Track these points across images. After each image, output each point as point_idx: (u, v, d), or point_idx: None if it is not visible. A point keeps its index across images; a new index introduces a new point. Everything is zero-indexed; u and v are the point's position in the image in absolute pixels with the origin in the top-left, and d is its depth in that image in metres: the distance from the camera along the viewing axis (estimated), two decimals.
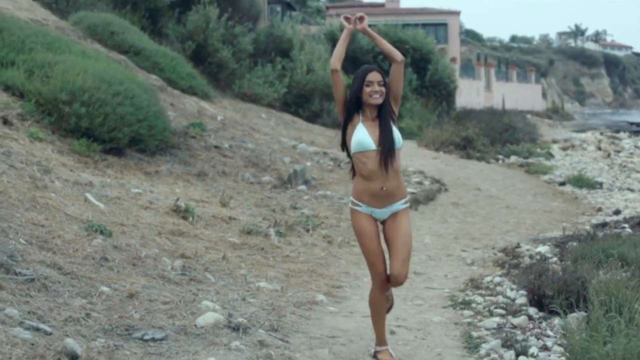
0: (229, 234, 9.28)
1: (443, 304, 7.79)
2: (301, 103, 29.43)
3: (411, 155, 21.68)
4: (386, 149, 5.52)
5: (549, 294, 7.21)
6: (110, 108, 11.87)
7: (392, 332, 6.55)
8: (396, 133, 5.62)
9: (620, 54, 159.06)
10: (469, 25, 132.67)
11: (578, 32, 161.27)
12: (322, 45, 34.02)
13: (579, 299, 6.87)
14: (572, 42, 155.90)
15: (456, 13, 64.64)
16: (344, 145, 5.79)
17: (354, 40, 38.47)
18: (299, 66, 29.75)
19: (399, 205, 5.71)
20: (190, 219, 9.47)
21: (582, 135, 40.97)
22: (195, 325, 5.86)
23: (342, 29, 5.99)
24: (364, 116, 5.64)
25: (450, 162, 21.90)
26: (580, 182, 19.84)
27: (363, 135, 5.56)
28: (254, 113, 23.89)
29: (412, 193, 14.52)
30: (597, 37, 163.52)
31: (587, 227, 12.23)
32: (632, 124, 55.39)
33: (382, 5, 70.46)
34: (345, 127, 5.73)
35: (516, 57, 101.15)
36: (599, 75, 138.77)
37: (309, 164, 15.71)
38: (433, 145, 26.14)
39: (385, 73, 5.71)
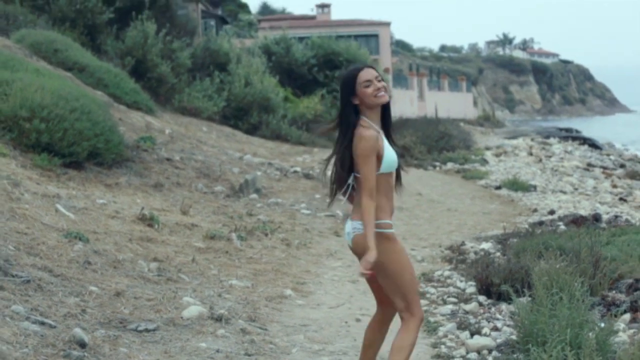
0: (194, 239, 9.84)
1: None
2: (240, 116, 29.90)
3: None
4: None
5: (496, 282, 7.94)
6: (69, 123, 12.31)
7: (358, 320, 7.20)
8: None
9: (547, 61, 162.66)
10: (398, 35, 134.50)
11: (506, 40, 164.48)
12: (259, 58, 34.57)
13: (523, 286, 7.57)
14: (500, 51, 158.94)
15: (386, 24, 65.61)
16: (343, 165, 4.90)
17: (288, 53, 39.20)
18: (237, 80, 30.23)
19: None
20: (156, 226, 9.99)
21: (514, 142, 42.23)
22: (181, 318, 6.45)
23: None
24: (373, 125, 4.84)
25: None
26: (515, 185, 20.78)
27: (392, 153, 4.88)
28: (195, 126, 24.35)
29: None
30: (525, 46, 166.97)
31: (526, 226, 13.05)
32: (561, 129, 56.93)
33: (313, 17, 71.25)
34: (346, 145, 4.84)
35: (447, 67, 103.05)
36: (527, 83, 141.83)
37: (259, 173, 16.30)
38: None
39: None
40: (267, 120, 29.75)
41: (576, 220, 12.98)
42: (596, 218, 13.52)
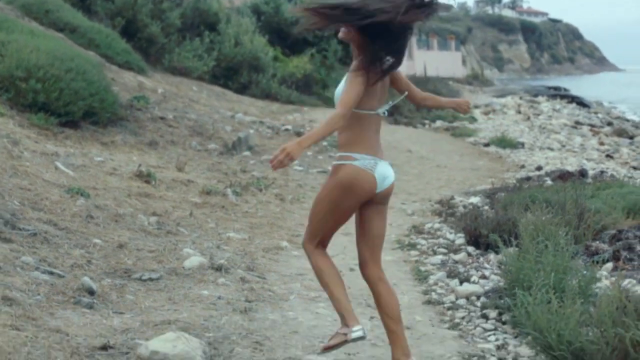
0: (190, 195, 10.09)
1: (392, 247, 8.77)
2: (230, 75, 30.03)
3: None
4: None
5: (484, 234, 8.24)
6: (65, 83, 12.49)
7: (351, 269, 7.48)
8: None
9: (536, 20, 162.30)
10: None
11: None
12: (248, 18, 34.61)
13: (510, 237, 7.85)
14: (489, 10, 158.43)
15: None
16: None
17: (277, 12, 39.21)
18: (227, 39, 30.30)
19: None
20: (153, 182, 10.23)
21: (502, 100, 42.44)
22: (183, 268, 6.73)
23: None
24: None
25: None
26: (504, 142, 21.07)
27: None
28: (186, 86, 24.48)
29: None
30: (514, 4, 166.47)
31: (513, 181, 13.34)
32: (549, 88, 57.19)
33: None
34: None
35: (435, 25, 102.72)
36: (516, 42, 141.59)
37: (251, 131, 16.53)
38: None
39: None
40: (257, 80, 29.89)
41: (562, 176, 13.27)
42: (582, 173, 13.81)
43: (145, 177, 10.32)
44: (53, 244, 6.62)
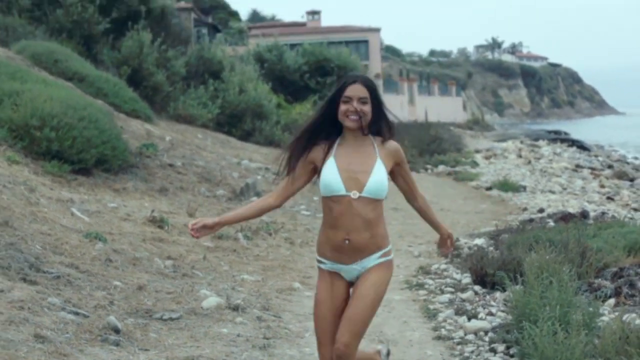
0: (202, 239, 10.34)
1: (400, 287, 9.04)
2: (234, 123, 30.39)
3: None
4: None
5: (490, 273, 8.50)
6: (78, 132, 12.83)
7: None
8: (382, 176, 4.43)
9: (536, 64, 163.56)
10: (388, 41, 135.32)
11: (495, 44, 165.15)
12: (251, 66, 35.15)
13: (515, 275, 8.11)
14: (489, 55, 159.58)
15: (376, 30, 66.13)
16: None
17: (280, 60, 39.80)
18: (231, 87, 30.73)
19: (373, 260, 4.46)
20: (166, 227, 10.51)
21: (503, 145, 42.82)
22: (201, 308, 6.99)
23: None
24: (342, 142, 4.50)
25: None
26: (506, 186, 21.38)
27: (331, 176, 4.43)
28: (190, 134, 24.82)
29: None
30: (514, 49, 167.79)
31: (516, 223, 13.60)
32: (549, 132, 57.64)
33: (303, 24, 71.75)
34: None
35: (436, 71, 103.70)
36: (516, 86, 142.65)
37: (258, 177, 16.84)
38: None
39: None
40: (261, 127, 30.26)
41: (564, 217, 13.53)
42: (584, 215, 14.07)
43: (159, 222, 10.60)
44: (76, 286, 6.89)
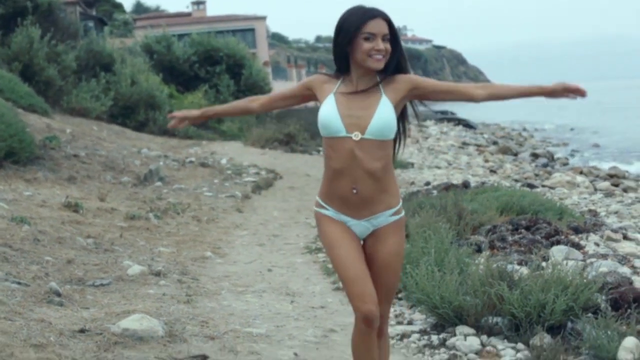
0: (116, 220, 11.16)
1: (301, 252, 10.07)
2: (127, 114, 30.91)
3: (242, 154, 24.00)
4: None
5: None
6: None
7: (269, 270, 8.74)
8: (388, 114, 4.05)
9: (421, 47, 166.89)
10: (274, 28, 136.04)
11: None
12: (141, 57, 35.64)
13: None
14: None
15: (262, 18, 66.84)
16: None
17: (169, 51, 40.25)
18: (123, 79, 31.20)
19: (385, 217, 4.19)
20: (81, 211, 11.26)
21: None
22: (127, 275, 7.86)
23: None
24: (344, 85, 4.12)
25: (277, 157, 24.20)
26: (394, 163, 22.59)
27: (330, 114, 4.08)
28: (86, 126, 25.31)
29: (254, 181, 16.83)
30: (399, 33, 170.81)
31: (404, 194, 14.77)
32: (436, 112, 59.53)
33: (188, 14, 72.00)
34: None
35: (323, 57, 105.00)
36: None
37: (161, 163, 17.63)
38: (259, 143, 28.31)
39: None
40: (154, 117, 30.88)
41: (447, 187, 14.75)
42: (465, 185, 15.34)
43: (74, 207, 11.34)
44: (12, 262, 7.65)
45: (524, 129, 51.05)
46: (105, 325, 5.95)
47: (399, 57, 4.11)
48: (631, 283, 6.87)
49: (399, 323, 6.70)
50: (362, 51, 3.98)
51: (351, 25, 3.98)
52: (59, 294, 6.75)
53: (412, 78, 4.14)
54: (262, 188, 16.50)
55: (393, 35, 4.05)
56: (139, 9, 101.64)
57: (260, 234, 11.40)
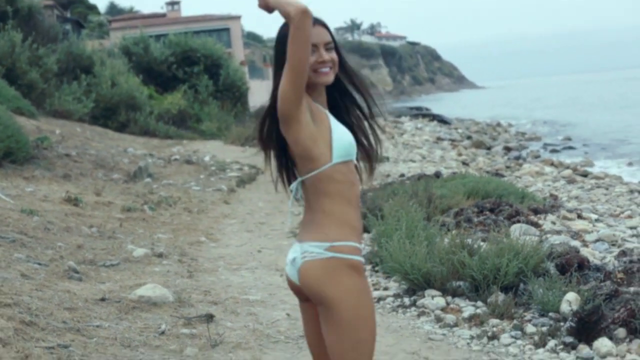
0: (114, 212, 12.06)
1: (287, 236, 11.02)
2: (109, 115, 31.72)
3: (224, 152, 24.96)
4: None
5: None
6: None
7: (259, 251, 9.69)
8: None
9: (395, 44, 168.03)
10: (249, 27, 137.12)
11: (354, 26, 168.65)
12: (120, 59, 36.36)
13: (377, 218, 10.19)
14: (349, 37, 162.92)
15: (237, 18, 67.19)
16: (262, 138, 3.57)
17: (147, 52, 40.91)
18: (103, 81, 31.97)
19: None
20: (81, 205, 12.16)
21: None
22: (133, 256, 8.79)
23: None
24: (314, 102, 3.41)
25: (257, 153, 25.01)
26: None
27: (348, 135, 3.47)
28: (69, 128, 26.11)
29: (237, 176, 17.79)
30: (373, 30, 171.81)
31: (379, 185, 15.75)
32: (411, 108, 60.50)
33: (163, 15, 72.38)
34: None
35: None
36: (377, 66, 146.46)
37: (150, 161, 18.54)
38: (239, 141, 29.19)
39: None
40: (135, 118, 31.72)
41: (420, 177, 15.75)
42: (437, 175, 16.32)
43: (74, 201, 12.23)
44: (29, 247, 8.56)
45: (498, 124, 52.17)
46: (121, 295, 6.88)
47: (345, 69, 3.55)
48: (578, 252, 7.88)
49: (376, 289, 7.67)
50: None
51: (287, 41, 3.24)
52: (77, 271, 7.67)
53: None
54: (246, 182, 17.44)
55: (335, 42, 3.50)
56: (113, 10, 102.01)
57: (248, 222, 12.34)
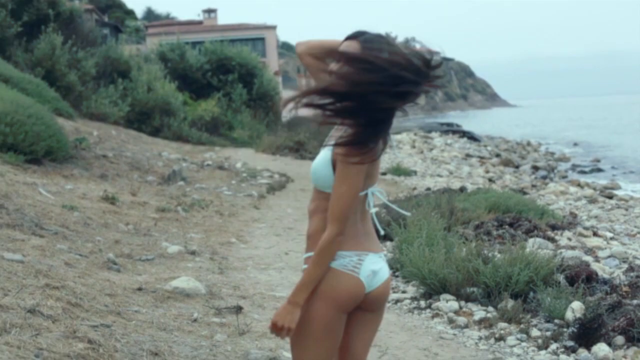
0: (149, 212, 12.61)
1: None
2: (143, 119, 32.32)
3: (255, 159, 25.50)
4: None
5: (383, 227, 11.03)
6: (28, 127, 14.88)
7: (286, 254, 10.18)
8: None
9: None
10: (284, 37, 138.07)
11: None
12: (157, 65, 37.03)
13: (401, 227, 10.65)
14: None
15: (272, 27, 67.97)
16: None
17: (183, 59, 41.58)
18: (140, 86, 32.63)
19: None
20: (117, 203, 12.71)
21: (398, 137, 45.61)
22: (167, 252, 9.31)
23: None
24: None
25: (288, 163, 25.69)
26: (399, 171, 24.10)
27: None
28: (104, 130, 26.80)
29: (268, 183, 18.31)
30: (407, 44, 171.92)
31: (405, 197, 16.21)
32: (442, 124, 60.81)
33: (200, 22, 73.20)
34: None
35: None
36: None
37: (184, 165, 19.12)
38: (270, 150, 29.70)
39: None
40: (169, 123, 32.30)
41: (445, 191, 16.18)
42: (462, 189, 16.76)
43: (111, 199, 12.79)
44: (70, 240, 9.11)
45: (528, 143, 52.27)
46: (157, 286, 7.40)
47: None
48: (588, 265, 8.31)
49: (394, 292, 8.14)
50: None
51: (410, 82, 3.33)
52: (115, 263, 8.20)
53: None
54: (276, 189, 17.96)
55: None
56: (150, 16, 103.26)
57: (276, 227, 12.83)
